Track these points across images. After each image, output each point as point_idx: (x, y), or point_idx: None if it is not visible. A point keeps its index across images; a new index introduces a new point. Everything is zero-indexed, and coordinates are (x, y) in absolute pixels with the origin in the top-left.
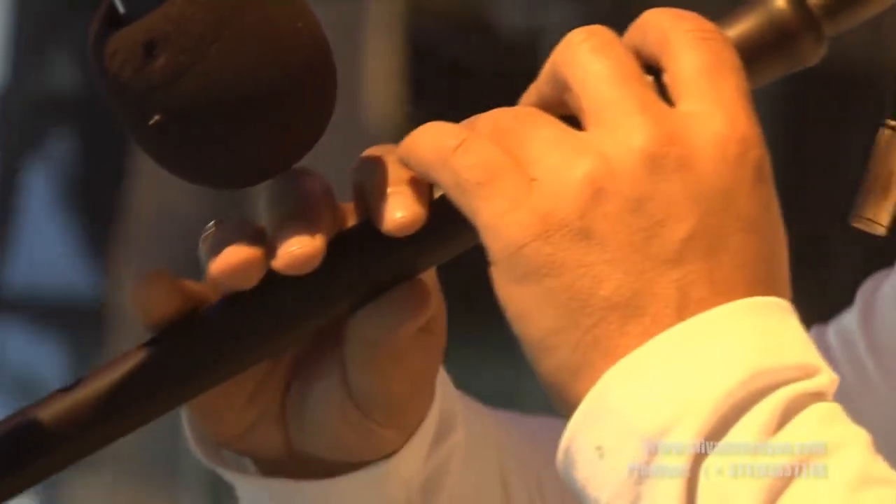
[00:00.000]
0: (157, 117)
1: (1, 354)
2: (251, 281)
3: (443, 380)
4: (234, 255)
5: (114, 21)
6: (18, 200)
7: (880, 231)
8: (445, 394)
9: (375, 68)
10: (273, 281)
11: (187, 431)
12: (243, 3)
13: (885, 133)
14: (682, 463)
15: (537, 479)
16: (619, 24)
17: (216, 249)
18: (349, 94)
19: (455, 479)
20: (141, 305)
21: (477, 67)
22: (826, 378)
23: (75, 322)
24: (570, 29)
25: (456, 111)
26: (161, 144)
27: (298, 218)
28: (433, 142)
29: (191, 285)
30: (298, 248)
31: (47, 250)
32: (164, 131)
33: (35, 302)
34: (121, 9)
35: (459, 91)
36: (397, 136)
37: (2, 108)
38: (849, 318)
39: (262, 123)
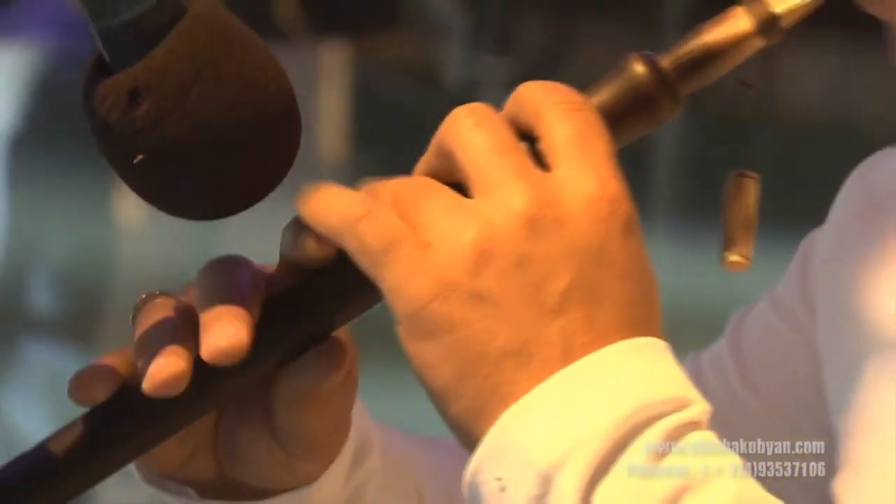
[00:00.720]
0: (140, 157)
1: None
2: (179, 391)
3: (359, 410)
4: (164, 371)
5: (102, 69)
6: None
7: (748, 267)
8: (361, 424)
9: (324, 114)
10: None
11: (133, 465)
12: (219, 55)
13: (738, 180)
14: (574, 493)
15: (452, 498)
16: (551, 76)
17: (148, 350)
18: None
19: (373, 500)
20: (82, 398)
21: (421, 115)
22: (700, 408)
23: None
24: (507, 80)
25: (401, 157)
26: (144, 181)
27: (227, 310)
28: (340, 209)
29: (121, 365)
30: (225, 341)
31: None
32: (146, 170)
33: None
34: (108, 59)
35: (404, 137)
36: (344, 180)
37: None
38: (720, 346)
39: (235, 163)
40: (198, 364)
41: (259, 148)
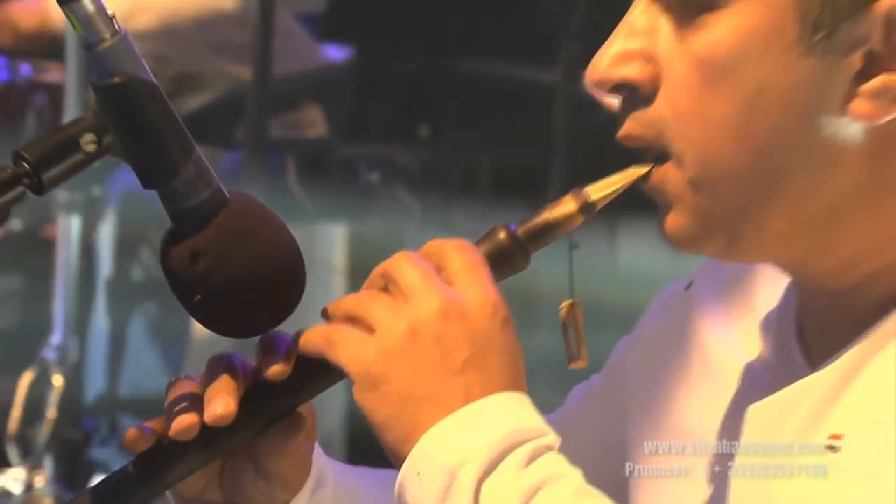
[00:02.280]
0: (198, 297)
1: None
2: (191, 437)
3: (317, 453)
4: (182, 423)
5: (173, 238)
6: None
7: (586, 364)
8: (318, 463)
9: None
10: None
11: (169, 493)
12: (251, 230)
13: (570, 308)
14: (470, 484)
15: None
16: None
17: (174, 412)
18: None
19: None
20: (128, 445)
21: None
22: (553, 438)
23: None
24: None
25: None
26: (200, 312)
27: (222, 389)
28: (319, 333)
29: (156, 426)
30: (222, 407)
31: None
32: (201, 305)
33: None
34: (176, 231)
35: None
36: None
37: None
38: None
39: (262, 301)
40: (203, 425)
41: (278, 290)
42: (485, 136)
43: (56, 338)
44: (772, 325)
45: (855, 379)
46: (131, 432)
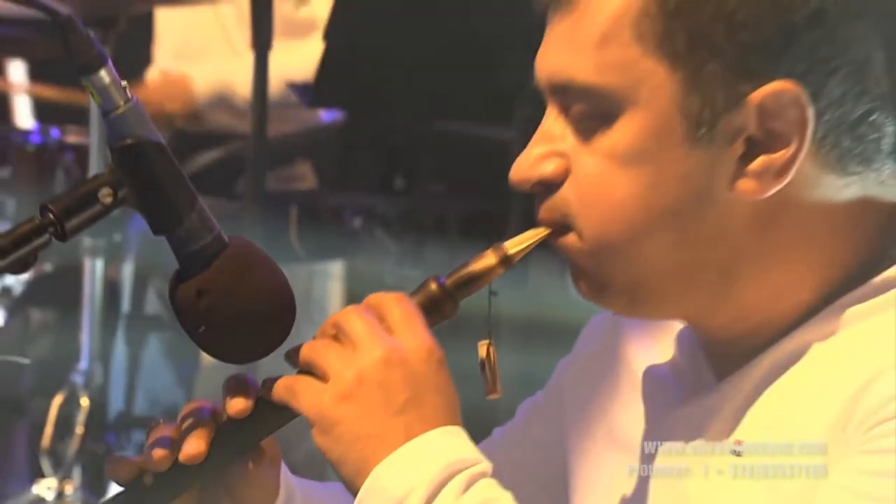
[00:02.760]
0: (202, 328)
1: None
2: (166, 468)
3: (284, 474)
4: (158, 455)
5: (180, 278)
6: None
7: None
8: (286, 483)
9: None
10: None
11: None
12: (248, 271)
13: (486, 347)
14: None
15: None
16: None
17: (151, 447)
18: None
19: None
20: (112, 475)
21: None
22: (486, 465)
23: None
24: None
25: None
26: (204, 342)
27: (194, 431)
28: (282, 385)
29: (137, 461)
30: (193, 448)
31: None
32: (205, 336)
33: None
34: (182, 271)
35: None
36: None
37: None
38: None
39: (258, 332)
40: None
41: (271, 323)
42: (452, 187)
43: (83, 364)
44: (684, 341)
45: (756, 397)
46: (110, 460)
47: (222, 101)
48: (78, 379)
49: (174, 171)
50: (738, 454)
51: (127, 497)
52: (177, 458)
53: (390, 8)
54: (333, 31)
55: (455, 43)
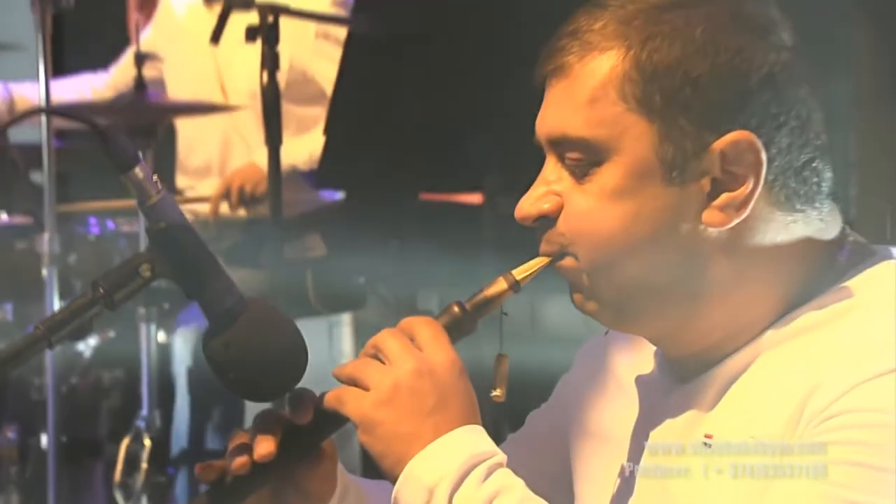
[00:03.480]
0: (231, 375)
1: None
2: (246, 471)
3: (340, 471)
4: (239, 462)
5: (211, 334)
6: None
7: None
8: (342, 479)
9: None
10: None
11: None
12: (265, 326)
13: (499, 358)
14: (445, 496)
15: None
16: None
17: (231, 452)
18: None
19: None
20: (200, 477)
21: None
22: (502, 456)
23: None
24: None
25: None
26: (233, 385)
27: (264, 436)
28: (333, 396)
29: (220, 464)
30: (264, 449)
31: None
32: (234, 381)
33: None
34: (213, 328)
35: None
36: None
37: None
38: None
39: (277, 376)
40: (254, 461)
41: (288, 367)
42: (438, 245)
43: (144, 412)
44: (658, 351)
45: (719, 398)
46: (199, 466)
47: None
48: (141, 424)
49: (200, 247)
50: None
51: (212, 494)
52: (252, 460)
53: (379, 105)
54: (332, 127)
55: (430, 128)
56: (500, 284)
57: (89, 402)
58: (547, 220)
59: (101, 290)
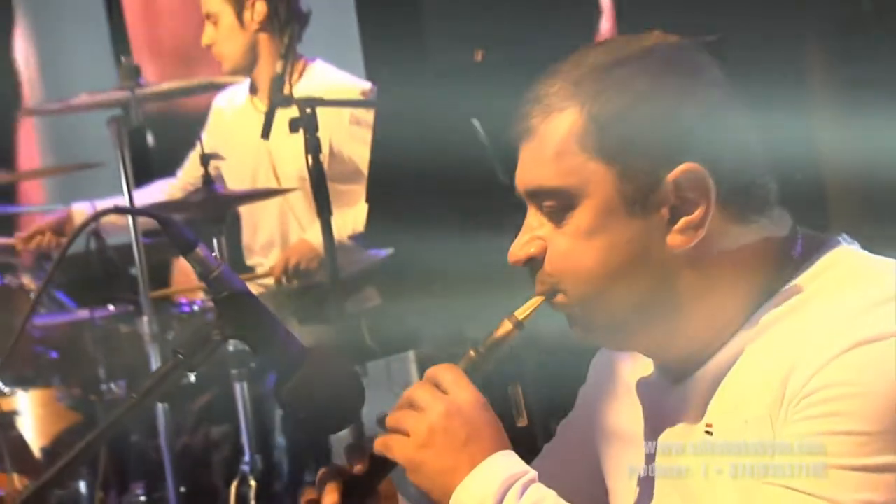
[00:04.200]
0: (301, 415)
1: None
2: None
3: (402, 501)
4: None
5: (280, 382)
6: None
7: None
8: None
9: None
10: None
11: None
12: (327, 369)
13: (513, 388)
14: None
15: None
16: None
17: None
18: None
19: None
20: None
21: None
22: (534, 474)
23: None
24: None
25: None
26: (305, 423)
27: (330, 485)
28: (381, 443)
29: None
30: (329, 501)
31: None
32: (305, 421)
33: None
34: (280, 381)
35: None
36: None
37: None
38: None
39: (340, 411)
40: None
41: (349, 404)
42: (478, 282)
43: (247, 457)
44: None
45: (713, 391)
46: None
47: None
48: (246, 468)
49: (260, 308)
50: (710, 433)
51: None
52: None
53: (411, 174)
54: (372, 194)
55: (460, 188)
56: (506, 326)
57: (201, 454)
58: (535, 262)
59: (180, 356)
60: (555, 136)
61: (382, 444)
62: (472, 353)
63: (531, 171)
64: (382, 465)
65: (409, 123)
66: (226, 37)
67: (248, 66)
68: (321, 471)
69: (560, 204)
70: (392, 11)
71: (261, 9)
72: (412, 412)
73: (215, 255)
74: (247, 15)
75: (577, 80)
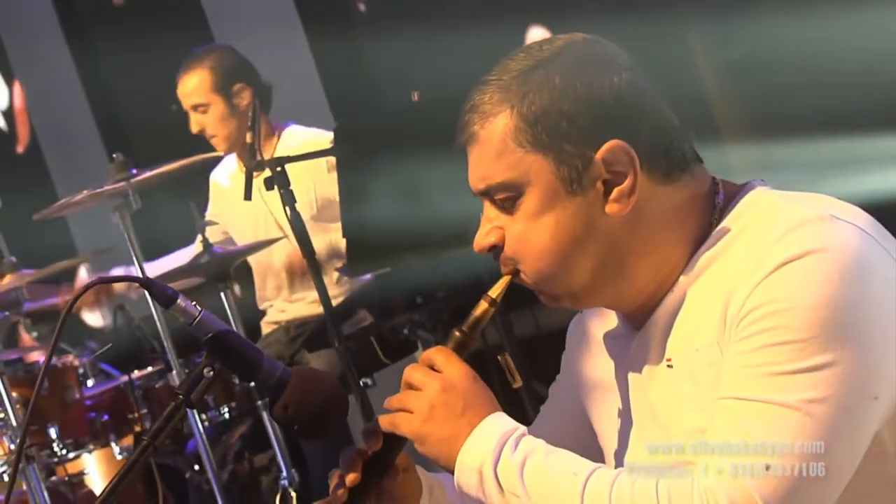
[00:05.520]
0: (296, 427)
1: None
2: (343, 498)
3: (423, 472)
4: (337, 494)
5: (272, 402)
6: None
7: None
8: (426, 477)
9: None
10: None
11: None
12: (311, 383)
13: (503, 357)
14: (490, 473)
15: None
16: None
17: (334, 490)
18: None
19: None
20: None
21: None
22: (524, 429)
23: None
24: None
25: None
26: (301, 433)
27: (351, 466)
28: (388, 420)
29: (327, 501)
30: (352, 478)
31: None
32: (299, 431)
33: None
34: (271, 396)
35: None
36: None
37: None
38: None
39: (325, 423)
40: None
41: (334, 411)
42: (448, 295)
43: (284, 473)
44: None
45: (669, 330)
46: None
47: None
48: (284, 482)
49: (243, 341)
50: (671, 366)
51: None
52: (348, 489)
53: (385, 213)
54: (347, 230)
55: (433, 224)
56: (483, 305)
57: (248, 480)
58: (496, 249)
59: (180, 396)
60: (494, 138)
61: (390, 423)
62: (457, 333)
63: (480, 171)
64: (394, 442)
65: (366, 161)
66: (220, 122)
67: (241, 143)
68: (343, 453)
69: (509, 195)
70: (347, 66)
71: (247, 93)
72: (412, 392)
73: (194, 304)
74: (236, 100)
75: (505, 86)
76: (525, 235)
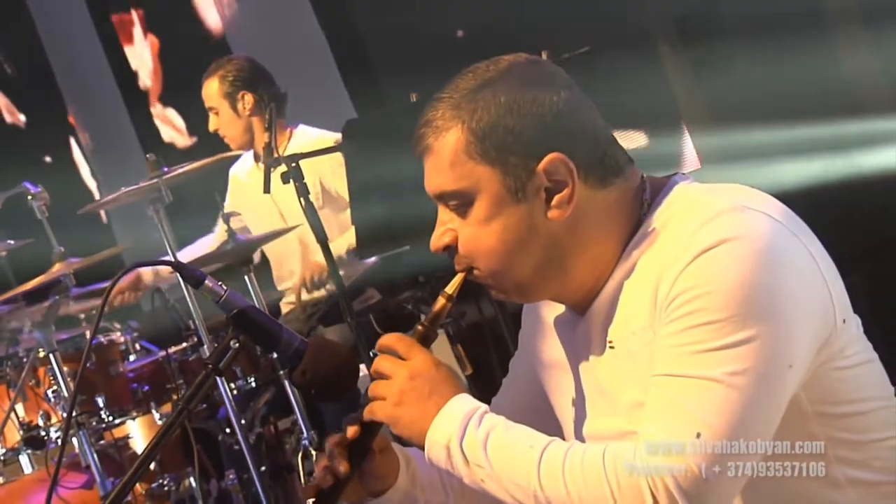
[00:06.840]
0: (314, 391)
1: None
2: (329, 481)
3: (399, 448)
4: (320, 475)
5: (291, 369)
6: None
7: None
8: (401, 454)
9: None
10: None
11: None
12: (326, 351)
13: (458, 350)
14: (457, 448)
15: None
16: None
17: (320, 471)
18: None
19: (421, 481)
20: (304, 496)
21: None
22: (486, 407)
23: None
24: None
25: None
26: (318, 397)
27: (337, 451)
28: (368, 408)
29: (315, 484)
30: (339, 463)
31: None
32: (316, 395)
33: None
34: (288, 365)
35: None
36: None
37: None
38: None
39: (338, 386)
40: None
41: (346, 376)
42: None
43: (305, 434)
44: None
45: (610, 316)
46: (304, 489)
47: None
48: (305, 442)
49: (264, 316)
50: (612, 347)
51: (317, 501)
52: (333, 471)
53: (389, 200)
54: (355, 216)
55: (431, 212)
56: (441, 301)
57: (273, 441)
58: (451, 249)
59: (210, 366)
60: (446, 150)
61: (368, 411)
62: (419, 327)
63: (434, 179)
64: (371, 427)
65: (371, 157)
66: (228, 124)
67: (249, 142)
68: (327, 441)
69: (461, 202)
70: (358, 72)
71: (249, 100)
72: (383, 381)
73: (220, 284)
74: (239, 106)
75: (456, 103)
76: (476, 238)
